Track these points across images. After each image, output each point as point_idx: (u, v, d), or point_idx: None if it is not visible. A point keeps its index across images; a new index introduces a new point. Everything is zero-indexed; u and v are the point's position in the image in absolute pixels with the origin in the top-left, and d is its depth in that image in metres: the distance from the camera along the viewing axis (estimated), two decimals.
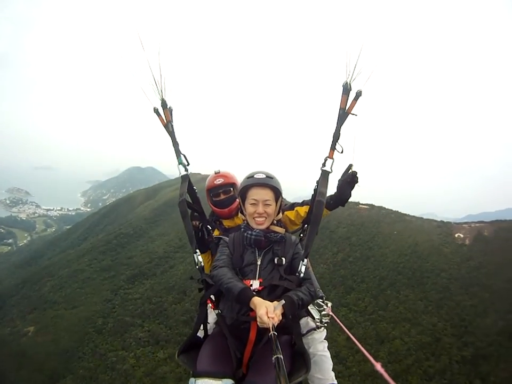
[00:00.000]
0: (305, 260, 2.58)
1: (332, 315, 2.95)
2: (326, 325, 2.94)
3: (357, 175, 2.90)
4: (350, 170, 2.91)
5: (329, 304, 2.99)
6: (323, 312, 2.92)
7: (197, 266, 2.77)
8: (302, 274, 2.56)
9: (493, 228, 50.52)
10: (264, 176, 2.70)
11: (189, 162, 2.90)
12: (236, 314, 2.46)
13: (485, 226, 51.85)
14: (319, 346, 2.89)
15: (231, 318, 2.49)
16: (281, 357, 1.69)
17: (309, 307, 3.01)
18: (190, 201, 3.04)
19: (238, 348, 2.38)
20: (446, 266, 45.67)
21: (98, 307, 48.09)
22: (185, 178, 2.88)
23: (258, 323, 2.09)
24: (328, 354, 2.90)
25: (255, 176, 2.72)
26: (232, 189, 3.47)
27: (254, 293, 2.34)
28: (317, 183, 2.74)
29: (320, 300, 2.97)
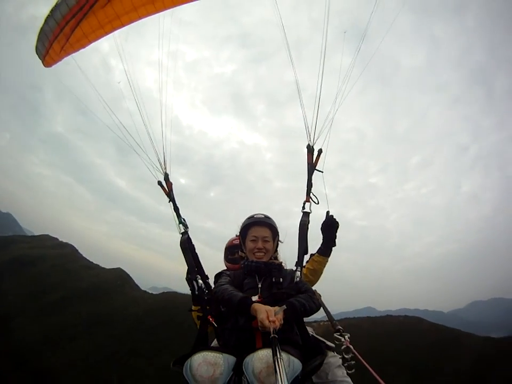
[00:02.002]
0: (299, 269, 3.04)
1: (350, 347, 2.84)
2: (348, 358, 2.81)
3: (334, 218, 3.51)
4: (328, 215, 3.52)
5: (347, 336, 2.91)
6: (343, 347, 2.82)
7: (196, 292, 3.08)
8: (297, 279, 2.93)
9: (342, 324, 53.42)
10: (263, 216, 3.18)
11: (188, 226, 3.50)
12: (240, 324, 2.54)
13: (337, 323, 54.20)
14: (337, 372, 2.79)
15: (234, 335, 2.56)
16: (282, 358, 1.78)
17: (328, 343, 2.96)
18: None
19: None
20: None
21: None
22: (185, 234, 3.42)
23: (259, 327, 2.18)
24: (349, 380, 2.77)
25: (255, 216, 3.19)
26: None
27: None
28: (300, 225, 3.30)
29: (338, 333, 2.94)
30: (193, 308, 3.21)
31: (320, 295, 3.33)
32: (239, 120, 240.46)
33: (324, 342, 2.97)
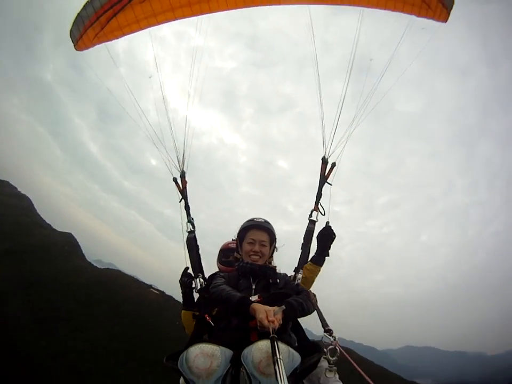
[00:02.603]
0: (300, 271, 3.23)
1: (339, 349, 2.79)
2: (335, 359, 2.76)
3: (332, 228, 3.55)
4: (326, 226, 3.57)
5: (337, 338, 2.87)
6: (330, 347, 2.77)
7: (196, 290, 3.21)
8: (298, 281, 3.08)
9: None
10: (263, 220, 3.22)
11: (195, 226, 3.61)
12: (236, 324, 2.54)
13: None
14: (330, 375, 2.81)
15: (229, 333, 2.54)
16: (281, 358, 1.76)
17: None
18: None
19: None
20: None
21: None
22: (191, 233, 3.55)
23: (258, 327, 2.18)
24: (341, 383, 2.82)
25: (255, 219, 3.23)
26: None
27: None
28: (305, 232, 3.50)
29: (328, 334, 2.90)
30: (189, 313, 3.23)
31: (315, 295, 3.37)
32: (224, 118, 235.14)
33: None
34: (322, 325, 2.82)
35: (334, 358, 2.64)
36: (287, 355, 2.06)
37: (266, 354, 2.00)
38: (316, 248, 3.56)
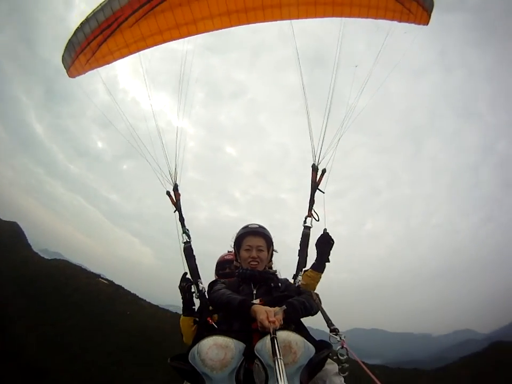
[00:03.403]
0: (301, 273, 3.40)
1: (347, 348, 2.58)
2: (345, 358, 2.52)
3: (330, 235, 3.56)
4: (324, 232, 3.59)
5: (343, 336, 2.69)
6: (338, 347, 2.57)
7: (196, 296, 3.29)
8: (298, 283, 3.18)
9: None
10: (258, 226, 3.25)
11: (190, 237, 3.67)
12: (238, 327, 2.52)
13: None
14: (335, 379, 2.74)
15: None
16: (282, 358, 1.74)
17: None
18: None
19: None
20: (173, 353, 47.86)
21: None
22: (187, 243, 3.61)
23: (259, 328, 2.19)
24: None
25: (249, 226, 3.25)
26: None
27: None
28: (301, 238, 3.65)
29: (334, 333, 2.73)
30: (189, 319, 3.29)
31: (318, 295, 3.20)
32: (174, 101, 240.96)
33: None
34: (327, 325, 2.69)
35: (344, 357, 2.47)
36: (303, 345, 2.11)
37: (283, 344, 2.02)
38: (315, 255, 3.56)
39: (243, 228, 3.29)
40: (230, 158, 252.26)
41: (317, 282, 3.48)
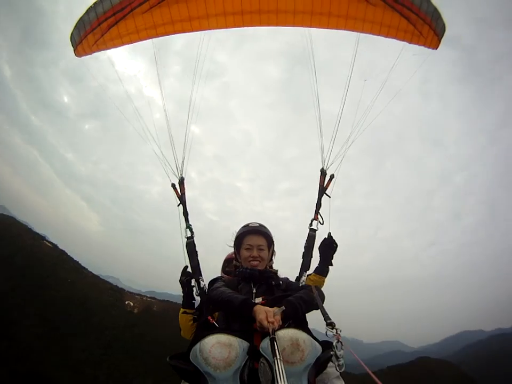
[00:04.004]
0: (305, 274, 3.39)
1: (341, 342, 2.44)
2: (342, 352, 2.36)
3: (333, 238, 3.57)
4: (327, 236, 3.60)
5: (339, 330, 2.56)
6: (335, 342, 2.40)
7: (197, 294, 3.27)
8: (303, 283, 3.21)
9: (162, 304, 56.55)
10: (258, 225, 3.20)
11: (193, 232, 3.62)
12: (238, 326, 2.45)
13: (155, 302, 58.05)
14: (336, 382, 2.72)
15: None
16: (281, 359, 1.73)
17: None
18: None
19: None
20: (110, 325, 46.14)
21: None
22: (190, 238, 3.58)
23: (258, 328, 2.16)
24: None
25: (249, 225, 3.20)
26: None
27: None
28: (306, 240, 3.60)
29: (330, 327, 2.58)
30: (186, 310, 3.28)
31: (318, 288, 3.10)
32: (149, 69, 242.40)
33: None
34: (324, 318, 2.56)
35: (340, 352, 2.31)
36: (310, 343, 2.10)
37: (290, 342, 2.02)
38: (318, 259, 3.58)
39: (243, 227, 3.23)
40: (193, 136, 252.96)
41: (321, 286, 3.43)
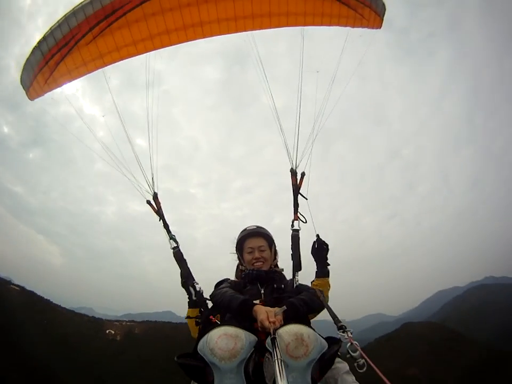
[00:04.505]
0: (297, 274, 3.27)
1: (355, 344, 2.38)
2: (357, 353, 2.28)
3: (323, 240, 3.54)
4: (316, 239, 3.57)
5: (350, 333, 2.51)
6: (348, 345, 2.35)
7: (194, 297, 3.23)
8: (297, 283, 3.13)
9: (143, 326, 57.10)
10: (255, 227, 3.28)
11: (178, 241, 3.64)
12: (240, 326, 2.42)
13: (135, 324, 57.90)
14: (347, 377, 2.69)
15: None
16: (282, 359, 1.75)
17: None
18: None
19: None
20: (97, 359, 44.76)
21: None
22: (176, 248, 3.58)
23: (259, 328, 2.21)
24: None
25: (247, 229, 3.28)
26: None
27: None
28: (291, 242, 3.52)
29: (341, 331, 2.54)
30: (190, 314, 3.27)
31: (322, 292, 3.15)
32: (88, 87, 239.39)
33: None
34: (334, 322, 2.56)
35: (357, 353, 2.25)
36: (315, 338, 2.10)
37: (295, 337, 2.03)
38: (315, 264, 3.55)
39: (242, 232, 3.33)
40: (140, 149, 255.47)
41: (327, 289, 3.44)
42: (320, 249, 3.54)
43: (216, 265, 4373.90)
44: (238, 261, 3.49)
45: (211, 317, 2.77)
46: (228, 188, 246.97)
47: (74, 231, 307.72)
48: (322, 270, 3.53)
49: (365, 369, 2.29)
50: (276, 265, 3.40)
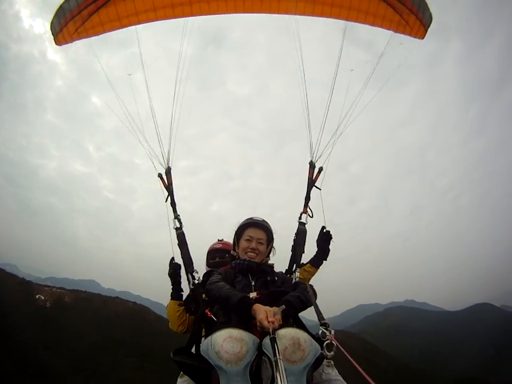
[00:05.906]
0: (298, 270, 3.38)
1: (335, 343, 2.44)
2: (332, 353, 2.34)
3: (330, 233, 3.61)
4: (324, 230, 3.64)
5: (332, 332, 2.53)
6: (326, 342, 2.37)
7: (192, 286, 3.25)
8: (296, 279, 3.20)
9: (73, 295, 55.46)
10: (262, 219, 3.22)
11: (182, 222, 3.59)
12: (237, 321, 2.44)
13: (65, 292, 55.79)
14: (330, 370, 2.68)
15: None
16: (281, 358, 1.76)
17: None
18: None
19: None
20: (27, 326, 43.35)
21: None
22: (179, 229, 3.55)
23: (258, 328, 2.17)
24: (341, 379, 2.78)
25: (253, 218, 3.23)
26: (227, 255, 3.76)
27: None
28: (295, 234, 3.65)
29: (324, 327, 2.55)
30: (172, 305, 3.30)
31: (312, 286, 3.18)
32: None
33: None
34: (318, 318, 2.59)
35: (331, 353, 2.30)
36: (311, 342, 2.12)
37: (292, 341, 2.04)
38: (315, 251, 3.64)
39: (247, 219, 3.26)
40: (94, 107, 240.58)
41: (312, 277, 3.57)
42: (327, 241, 3.62)
43: (147, 241, 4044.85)
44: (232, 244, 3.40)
45: (207, 311, 2.71)
46: (173, 166, 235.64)
47: (10, 181, 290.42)
48: (319, 261, 3.62)
49: (331, 371, 2.54)
50: (266, 262, 3.31)
